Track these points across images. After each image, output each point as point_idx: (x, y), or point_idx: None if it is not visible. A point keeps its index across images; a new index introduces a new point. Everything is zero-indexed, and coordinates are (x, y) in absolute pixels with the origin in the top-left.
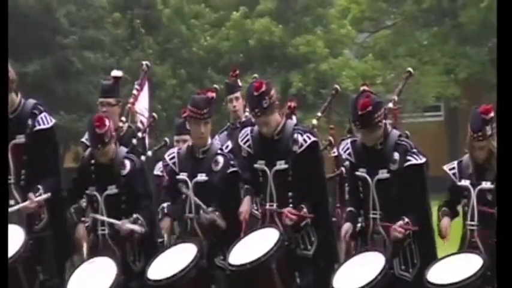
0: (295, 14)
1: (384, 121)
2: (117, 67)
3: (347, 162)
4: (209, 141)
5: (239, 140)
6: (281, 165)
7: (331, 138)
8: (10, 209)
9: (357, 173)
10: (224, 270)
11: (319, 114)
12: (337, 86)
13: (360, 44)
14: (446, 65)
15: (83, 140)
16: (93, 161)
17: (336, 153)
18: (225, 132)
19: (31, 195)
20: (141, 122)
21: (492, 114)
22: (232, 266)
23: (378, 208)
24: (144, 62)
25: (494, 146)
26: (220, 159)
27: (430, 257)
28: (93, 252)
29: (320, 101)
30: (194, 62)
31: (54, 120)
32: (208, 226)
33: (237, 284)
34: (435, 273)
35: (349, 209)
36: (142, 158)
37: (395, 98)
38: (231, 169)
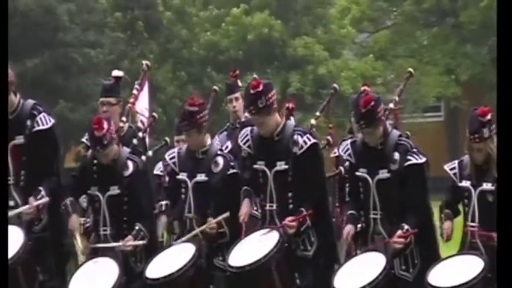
0: (295, 14)
1: (384, 119)
2: (117, 65)
3: (347, 163)
4: (208, 141)
5: (239, 140)
6: (281, 166)
7: (329, 138)
8: (9, 214)
9: (358, 173)
10: (223, 271)
11: (317, 113)
12: (336, 85)
13: (359, 44)
14: (447, 66)
15: (84, 140)
16: (95, 161)
17: (337, 154)
18: (225, 133)
19: (31, 199)
20: (142, 121)
21: (489, 116)
22: (232, 267)
23: (379, 208)
24: (144, 62)
25: (491, 149)
26: (220, 160)
27: (431, 257)
28: (95, 253)
29: (320, 101)
30: (194, 61)
31: (53, 121)
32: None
33: (237, 285)
34: (436, 275)
35: (350, 212)
36: (143, 158)
37: (396, 98)
38: (231, 171)
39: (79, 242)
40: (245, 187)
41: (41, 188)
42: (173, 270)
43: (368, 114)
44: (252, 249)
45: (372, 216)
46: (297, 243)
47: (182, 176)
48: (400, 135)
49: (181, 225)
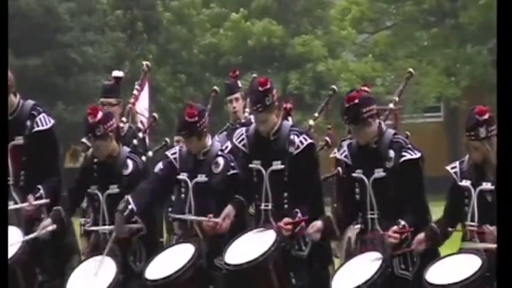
0: (294, 15)
1: (376, 119)
2: (116, 65)
3: (344, 164)
4: (209, 142)
5: (234, 139)
6: (277, 165)
7: (327, 138)
8: (8, 208)
9: (354, 174)
10: (222, 271)
11: (316, 114)
12: (334, 86)
13: (359, 44)
14: (447, 66)
15: (84, 140)
16: (95, 160)
17: (337, 154)
18: (225, 133)
19: (30, 197)
20: (142, 122)
21: (487, 116)
22: (229, 265)
23: (376, 208)
24: (144, 62)
25: (488, 150)
26: (221, 161)
27: (430, 255)
28: (94, 252)
29: (319, 102)
30: (194, 63)
31: (53, 121)
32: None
33: (233, 283)
34: (434, 273)
35: (349, 211)
36: (143, 158)
37: (396, 98)
38: (232, 171)
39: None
40: (235, 197)
41: (39, 186)
42: (172, 271)
43: (350, 111)
44: (248, 247)
45: (369, 216)
46: (291, 243)
47: (183, 176)
48: (395, 134)
49: (181, 225)
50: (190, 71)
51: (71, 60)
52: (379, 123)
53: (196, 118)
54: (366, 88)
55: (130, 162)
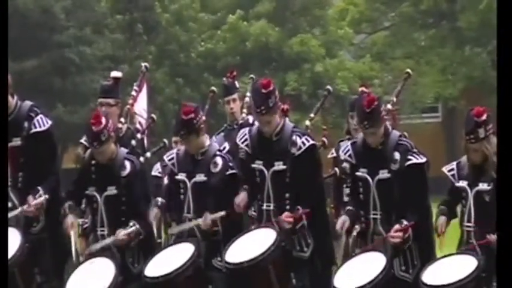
0: (292, 15)
1: (385, 118)
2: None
3: (345, 164)
4: (207, 142)
5: (237, 139)
6: (279, 166)
7: (324, 139)
8: (9, 214)
9: (358, 173)
10: (221, 272)
11: (312, 115)
12: (329, 86)
13: (357, 45)
14: (444, 67)
15: (82, 141)
16: (93, 162)
17: (334, 154)
18: (222, 134)
19: (30, 198)
20: (140, 123)
21: (485, 117)
22: (230, 264)
23: (379, 208)
24: (143, 64)
25: (487, 149)
26: (219, 160)
27: (430, 258)
28: (93, 253)
29: (317, 102)
30: (192, 65)
31: (50, 122)
32: (207, 230)
33: (233, 282)
34: (430, 274)
35: (348, 207)
36: (141, 159)
37: (394, 99)
38: (230, 171)
39: (73, 240)
40: (244, 186)
41: (39, 188)
42: (172, 269)
43: (372, 114)
44: (249, 246)
45: (372, 216)
46: (293, 244)
47: (181, 176)
48: (400, 136)
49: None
50: (188, 72)
51: (68, 61)
52: (385, 124)
53: (193, 115)
54: (364, 88)
55: (128, 164)
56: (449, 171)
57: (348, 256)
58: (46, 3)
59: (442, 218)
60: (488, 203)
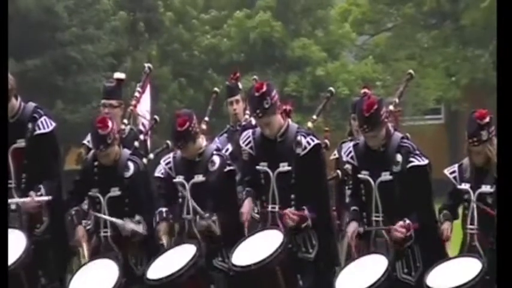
0: (295, 16)
1: (386, 121)
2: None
3: (347, 165)
4: (204, 143)
5: (241, 142)
6: (284, 167)
7: (326, 140)
8: (10, 200)
9: (360, 175)
10: (222, 272)
11: (314, 117)
12: (331, 88)
13: (360, 46)
14: (447, 68)
15: (85, 142)
16: (96, 163)
17: (337, 156)
18: (225, 135)
19: (32, 193)
20: (143, 124)
21: (487, 119)
22: (237, 266)
23: (381, 211)
24: (146, 65)
25: (490, 151)
26: (216, 159)
27: (433, 261)
28: (95, 255)
29: (318, 103)
30: (195, 64)
31: (54, 124)
32: (205, 231)
33: (240, 285)
34: (434, 278)
35: (352, 207)
36: (144, 160)
37: (397, 100)
38: (228, 168)
39: (85, 253)
40: (247, 188)
41: (40, 186)
42: (175, 269)
43: (371, 118)
44: (255, 249)
45: (374, 218)
46: (298, 245)
47: (179, 178)
48: (402, 137)
49: (180, 227)
50: (191, 70)
51: (70, 59)
52: (387, 126)
53: (188, 124)
54: (366, 90)
55: (131, 165)
56: (451, 173)
57: (350, 258)
58: (48, 3)
59: (447, 224)
60: (491, 205)
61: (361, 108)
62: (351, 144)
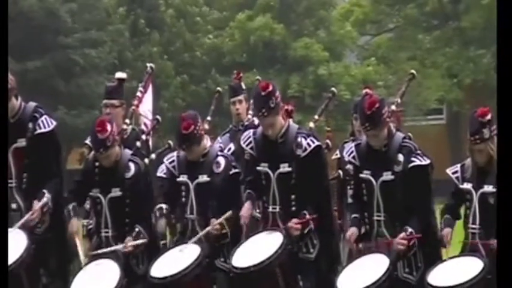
0: (297, 16)
1: (388, 120)
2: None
3: (348, 166)
4: (208, 143)
5: (241, 142)
6: (284, 168)
7: (328, 141)
8: (16, 225)
9: (361, 175)
10: (224, 272)
11: (316, 117)
12: (333, 88)
13: (361, 46)
14: (449, 69)
15: (87, 141)
16: (97, 163)
17: (339, 156)
18: (227, 135)
19: (35, 203)
20: (145, 124)
21: (489, 117)
22: (237, 268)
23: (382, 210)
24: (148, 64)
25: (493, 149)
26: (222, 160)
27: (434, 260)
28: (97, 255)
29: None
30: (197, 64)
31: (55, 123)
32: (216, 236)
33: (241, 286)
34: (436, 276)
35: (354, 215)
36: (146, 160)
37: (398, 100)
38: (233, 170)
39: (79, 245)
40: (248, 190)
41: (45, 190)
42: (180, 269)
43: (373, 117)
44: (255, 250)
45: (375, 218)
46: (299, 246)
47: (183, 178)
48: (404, 137)
49: (183, 227)
50: (193, 70)
51: (72, 62)
52: (389, 126)
53: (193, 127)
54: (368, 90)
55: (132, 165)
56: (453, 173)
57: (352, 258)
58: (51, 6)
59: (447, 230)
60: (493, 205)
61: (362, 106)
62: (353, 144)
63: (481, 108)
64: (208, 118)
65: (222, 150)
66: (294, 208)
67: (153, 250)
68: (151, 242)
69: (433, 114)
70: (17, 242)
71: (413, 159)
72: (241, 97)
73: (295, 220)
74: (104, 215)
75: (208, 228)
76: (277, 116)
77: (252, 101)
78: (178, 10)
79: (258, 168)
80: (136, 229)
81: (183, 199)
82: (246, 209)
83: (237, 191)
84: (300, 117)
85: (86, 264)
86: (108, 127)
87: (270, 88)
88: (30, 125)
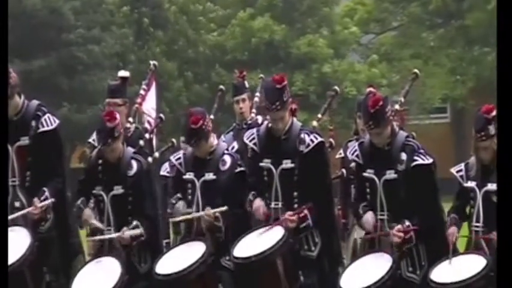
0: (300, 15)
1: (391, 119)
2: (122, 62)
3: (352, 164)
4: (215, 141)
5: (245, 138)
6: (287, 164)
7: (331, 139)
8: (14, 215)
9: (365, 174)
10: (229, 271)
11: (319, 116)
12: (336, 87)
13: (365, 45)
14: (453, 67)
15: (90, 140)
16: (100, 161)
17: (342, 155)
18: (231, 133)
19: (36, 200)
20: (149, 122)
21: (494, 113)
22: (238, 258)
23: (386, 209)
24: (151, 62)
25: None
26: (228, 159)
27: (438, 259)
28: (99, 253)
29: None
30: (200, 62)
31: (58, 121)
32: (210, 226)
33: (241, 278)
34: (439, 273)
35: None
36: (149, 159)
37: (402, 99)
38: (239, 169)
39: (96, 224)
40: (252, 192)
41: (45, 189)
42: (185, 266)
43: (377, 115)
44: (257, 242)
45: (379, 217)
46: (301, 243)
47: (189, 175)
48: (407, 136)
49: (188, 224)
50: (196, 67)
51: (76, 59)
52: (392, 125)
53: (201, 121)
54: (371, 89)
55: (134, 163)
56: (457, 172)
57: (355, 257)
58: (54, 4)
59: (452, 229)
60: (496, 203)
61: (366, 104)
62: (356, 142)
63: (486, 105)
64: (211, 116)
65: (228, 149)
66: (296, 204)
67: (156, 249)
68: (153, 240)
69: (437, 113)
70: (21, 240)
71: (416, 158)
72: (244, 96)
73: (290, 212)
74: (106, 213)
75: (202, 213)
76: (287, 110)
77: (263, 94)
78: (181, 7)
79: (261, 164)
80: (134, 222)
81: (189, 197)
82: (258, 202)
83: (242, 190)
84: (305, 116)
85: (88, 261)
86: (117, 116)
87: (285, 82)
88: (33, 123)
